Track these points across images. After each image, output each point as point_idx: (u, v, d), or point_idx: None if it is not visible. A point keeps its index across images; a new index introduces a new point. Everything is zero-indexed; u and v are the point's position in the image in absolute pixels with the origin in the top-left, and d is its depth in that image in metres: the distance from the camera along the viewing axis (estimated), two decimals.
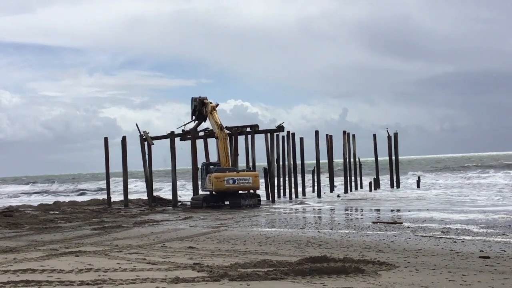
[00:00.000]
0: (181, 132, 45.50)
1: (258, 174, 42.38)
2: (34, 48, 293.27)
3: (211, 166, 41.73)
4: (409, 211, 32.17)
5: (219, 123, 42.80)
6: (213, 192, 40.62)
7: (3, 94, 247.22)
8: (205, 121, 44.76)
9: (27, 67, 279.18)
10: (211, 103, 43.49)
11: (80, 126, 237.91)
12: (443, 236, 19.69)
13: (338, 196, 50.69)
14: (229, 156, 42.60)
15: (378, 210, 35.14)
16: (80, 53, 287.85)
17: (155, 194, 50.05)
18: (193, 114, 44.81)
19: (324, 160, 52.92)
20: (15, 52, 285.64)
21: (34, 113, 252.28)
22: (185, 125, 45.26)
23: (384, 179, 63.50)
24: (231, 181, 39.65)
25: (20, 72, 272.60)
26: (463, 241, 18.25)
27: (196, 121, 44.89)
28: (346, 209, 36.88)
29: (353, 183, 57.48)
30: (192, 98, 44.47)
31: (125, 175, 47.66)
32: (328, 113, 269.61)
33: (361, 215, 32.90)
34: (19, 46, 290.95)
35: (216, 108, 43.46)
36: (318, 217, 31.62)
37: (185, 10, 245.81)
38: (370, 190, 54.33)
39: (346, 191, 53.45)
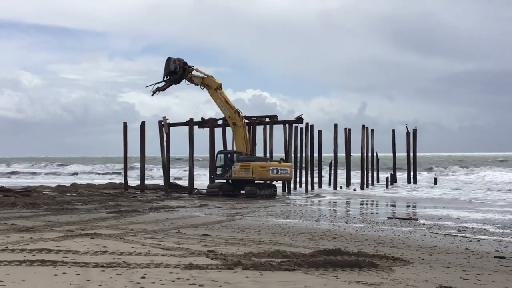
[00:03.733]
0: (150, 92, 43.09)
1: (292, 165, 43.00)
2: (56, 30, 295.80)
3: (229, 155, 41.60)
4: (425, 208, 32.02)
5: (235, 107, 42.13)
6: (231, 181, 40.76)
7: (24, 75, 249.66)
8: (176, 84, 43.13)
9: (48, 49, 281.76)
10: (215, 81, 41.84)
11: (99, 109, 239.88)
12: (459, 235, 19.57)
13: (354, 190, 50.58)
14: (249, 144, 42.42)
15: (394, 205, 35.01)
16: (100, 37, 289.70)
17: (172, 180, 50.31)
18: (168, 75, 42.49)
19: (341, 153, 52.79)
20: (37, 33, 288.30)
21: (54, 95, 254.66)
22: (155, 84, 42.96)
23: (400, 175, 63.22)
24: (275, 171, 40.05)
25: (41, 54, 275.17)
26: (479, 240, 18.13)
27: (169, 83, 42.86)
28: (361, 204, 36.79)
29: (369, 178, 57.26)
30: (170, 59, 42.21)
31: (143, 160, 47.93)
32: (346, 106, 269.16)
33: (377, 210, 32.80)
34: (41, 28, 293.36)
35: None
36: (334, 210, 31.59)
37: None
38: (387, 187, 54.13)
39: (362, 186, 53.26)
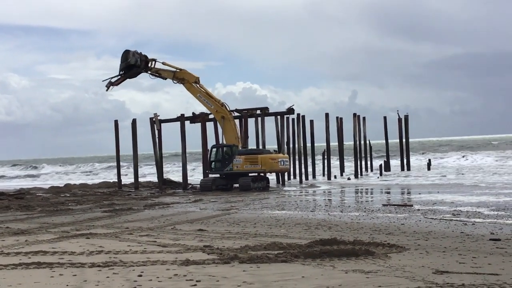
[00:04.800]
0: (105, 86, 41.39)
1: (287, 156, 44.61)
2: (42, 30, 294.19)
3: (225, 148, 41.22)
4: (419, 193, 32.11)
5: (220, 100, 41.81)
6: (225, 175, 40.73)
7: (12, 77, 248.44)
8: (131, 78, 41.91)
9: (35, 50, 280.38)
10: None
11: (89, 108, 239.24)
12: (454, 219, 19.63)
13: (349, 179, 50.65)
14: (240, 137, 42.28)
15: (388, 192, 35.10)
16: (88, 36, 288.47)
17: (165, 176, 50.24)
18: (126, 68, 40.62)
19: (334, 143, 52.80)
20: (23, 34, 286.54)
21: (43, 96, 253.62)
22: (110, 78, 41.23)
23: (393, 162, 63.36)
24: (282, 163, 40.50)
25: (28, 55, 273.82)
26: (474, 224, 18.19)
27: (124, 77, 41.18)
28: (356, 192, 36.84)
29: (363, 167, 57.30)
30: (129, 52, 40.34)
31: (135, 158, 47.80)
32: (337, 95, 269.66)
33: (371, 197, 32.86)
34: (27, 29, 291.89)
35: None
36: (328, 200, 31.62)
37: None
38: (381, 174, 54.20)
39: (356, 175, 53.31)
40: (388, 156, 60.86)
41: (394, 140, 60.34)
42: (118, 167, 48.86)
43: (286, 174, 47.04)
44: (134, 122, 47.20)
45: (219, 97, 43.12)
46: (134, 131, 47.13)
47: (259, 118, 46.44)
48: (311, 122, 51.18)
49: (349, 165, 57.53)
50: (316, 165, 54.39)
